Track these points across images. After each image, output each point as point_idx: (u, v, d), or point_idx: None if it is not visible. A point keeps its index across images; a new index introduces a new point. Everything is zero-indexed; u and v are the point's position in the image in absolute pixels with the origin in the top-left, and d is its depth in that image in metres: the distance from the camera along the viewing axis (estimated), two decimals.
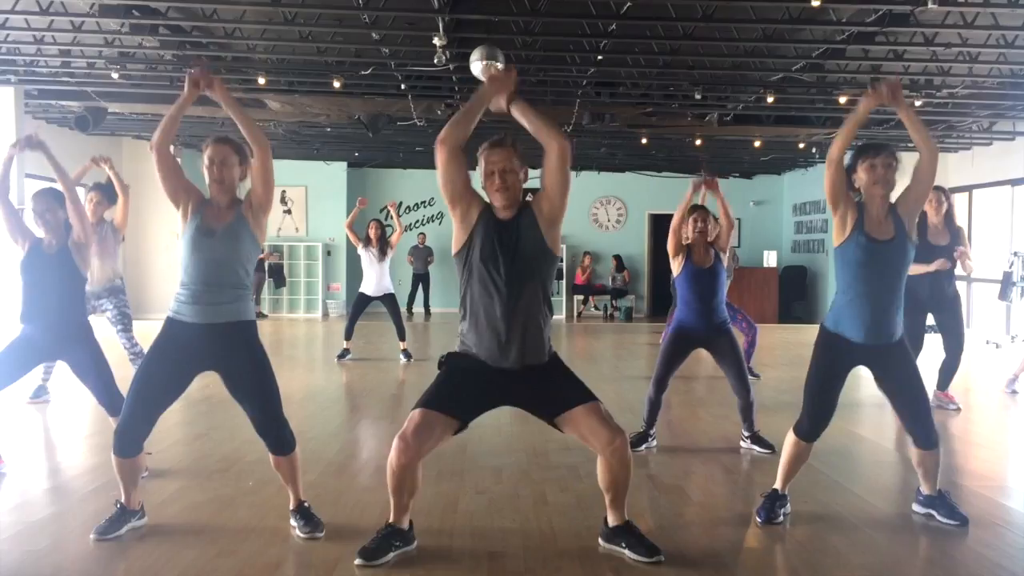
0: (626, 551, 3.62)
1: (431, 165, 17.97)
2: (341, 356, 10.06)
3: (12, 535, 3.88)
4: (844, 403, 7.09)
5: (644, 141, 13.48)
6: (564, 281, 17.56)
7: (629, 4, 7.20)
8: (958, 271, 6.82)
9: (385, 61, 9.09)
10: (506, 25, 7.99)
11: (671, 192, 16.75)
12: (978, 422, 6.90)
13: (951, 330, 6.83)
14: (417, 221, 18.14)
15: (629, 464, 3.59)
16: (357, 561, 3.51)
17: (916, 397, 3.98)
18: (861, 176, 3.91)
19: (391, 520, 3.62)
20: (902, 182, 3.96)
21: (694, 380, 8.82)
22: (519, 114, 3.55)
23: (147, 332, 8.12)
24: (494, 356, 3.48)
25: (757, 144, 13.67)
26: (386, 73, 9.53)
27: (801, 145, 13.86)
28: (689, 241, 5.55)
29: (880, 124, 12.01)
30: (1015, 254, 10.92)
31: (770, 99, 10.09)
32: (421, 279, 17.19)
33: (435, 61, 8.12)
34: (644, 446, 5.64)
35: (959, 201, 14.70)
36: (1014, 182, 12.95)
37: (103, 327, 7.62)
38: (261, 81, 9.70)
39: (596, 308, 17.60)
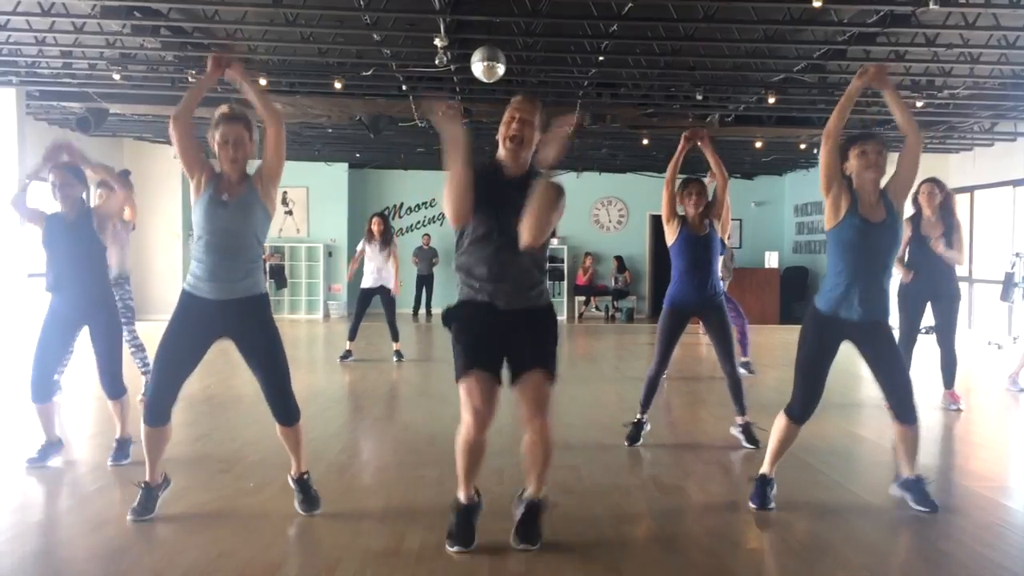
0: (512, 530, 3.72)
1: (433, 166, 18.09)
2: (344, 357, 10.06)
3: (13, 536, 3.88)
4: (844, 403, 7.16)
5: (645, 142, 13.48)
6: (565, 282, 17.56)
7: (630, 5, 7.20)
8: (961, 272, 6.83)
9: (386, 62, 9.09)
10: (507, 26, 7.99)
11: None
12: (979, 423, 6.89)
13: (943, 325, 6.89)
14: (419, 222, 18.15)
15: (543, 444, 3.64)
16: (455, 549, 3.62)
17: (897, 372, 4.13)
18: (853, 163, 4.04)
19: (464, 501, 3.72)
20: (883, 179, 4.08)
21: (694, 380, 8.82)
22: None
23: (149, 333, 8.15)
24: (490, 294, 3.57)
25: (758, 145, 13.66)
26: (387, 74, 9.54)
27: (802, 146, 13.85)
28: (686, 215, 5.61)
29: (881, 125, 12.00)
30: (1016, 255, 10.91)
31: (771, 100, 10.09)
32: (425, 281, 16.97)
33: (436, 62, 8.13)
34: (641, 438, 5.67)
35: (960, 202, 14.68)
36: (1015, 183, 12.94)
37: None
38: (262, 82, 9.69)
39: (597, 309, 17.60)
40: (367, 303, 10.03)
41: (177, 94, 10.56)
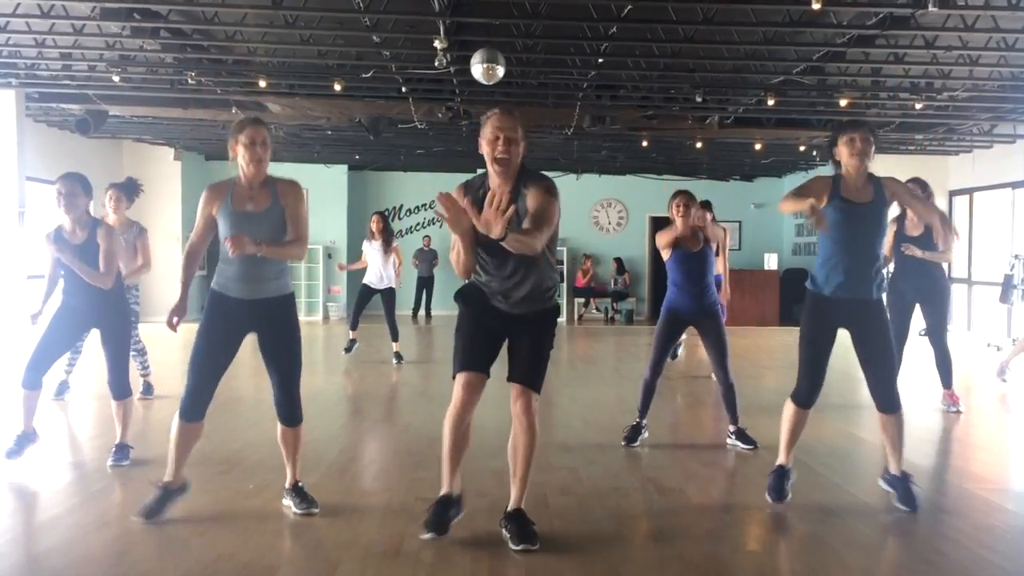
0: (508, 539, 3.76)
1: (432, 168, 18.09)
2: (348, 349, 10.10)
3: (12, 538, 3.88)
4: (844, 405, 7.16)
5: (645, 144, 13.49)
6: (565, 284, 17.56)
7: (630, 7, 7.20)
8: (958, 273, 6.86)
9: (386, 64, 9.10)
10: (507, 28, 7.99)
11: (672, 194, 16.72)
12: (978, 424, 6.89)
13: (934, 324, 6.96)
14: (418, 224, 18.15)
15: (529, 432, 3.75)
16: (426, 536, 3.76)
17: (884, 361, 4.25)
18: (842, 150, 4.23)
19: (444, 490, 3.86)
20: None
21: (694, 382, 8.82)
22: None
23: (150, 334, 8.17)
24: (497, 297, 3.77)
25: (758, 147, 13.67)
26: (387, 76, 9.54)
27: (802, 148, 13.86)
28: (677, 229, 5.68)
29: (881, 127, 12.00)
30: (1016, 257, 10.92)
31: (771, 102, 10.09)
32: (425, 283, 16.94)
33: (436, 64, 8.12)
34: (639, 440, 5.71)
35: (960, 204, 14.73)
36: (1014, 185, 12.96)
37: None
38: (262, 84, 9.71)
39: (597, 310, 17.60)
40: (367, 299, 10.07)
41: (177, 96, 10.58)
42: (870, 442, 6.15)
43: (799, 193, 4.25)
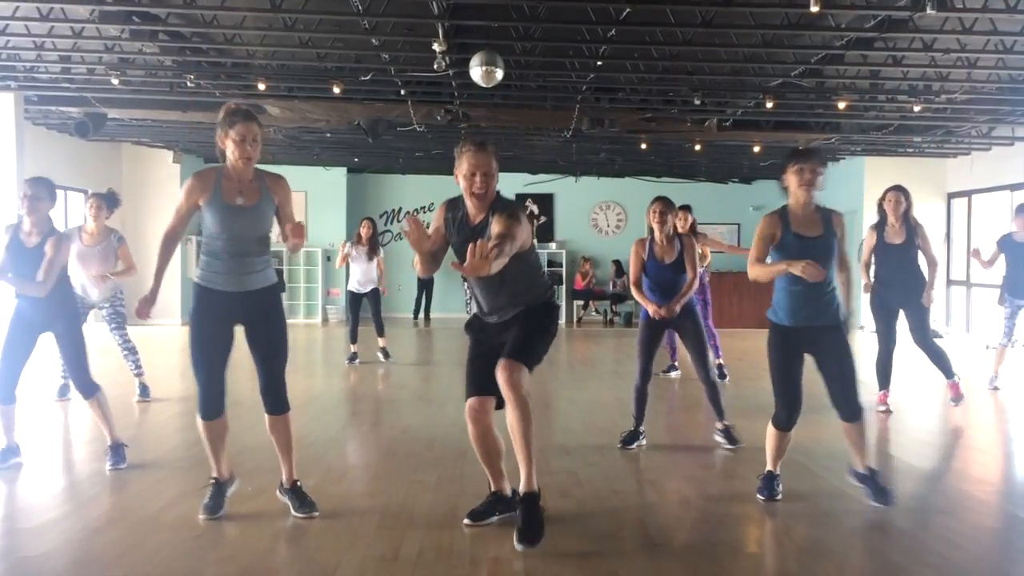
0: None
1: (431, 170, 18.07)
2: (351, 360, 10.15)
3: (8, 541, 3.88)
4: None
5: (644, 146, 13.49)
6: (564, 286, 17.56)
7: (628, 10, 7.21)
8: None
9: (385, 67, 9.10)
10: (506, 31, 8.00)
11: (671, 197, 16.71)
12: (977, 426, 6.90)
13: (916, 326, 6.98)
14: None
15: (519, 409, 3.74)
16: (465, 521, 4.04)
17: (845, 376, 4.31)
18: (791, 179, 4.25)
19: (493, 488, 4.13)
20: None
21: (692, 383, 8.81)
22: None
23: (149, 336, 8.15)
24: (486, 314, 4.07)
25: (756, 149, 13.68)
26: (386, 79, 9.54)
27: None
28: (655, 235, 5.81)
29: (879, 129, 12.03)
30: None
31: (769, 104, 10.09)
32: (425, 285, 16.97)
33: (435, 67, 8.13)
34: (635, 444, 5.75)
35: (958, 206, 14.74)
36: (1013, 187, 12.96)
37: (103, 335, 7.64)
38: (261, 87, 9.71)
39: (596, 313, 17.60)
40: (358, 305, 10.20)
41: (176, 99, 10.59)
42: (869, 444, 6.15)
43: (760, 252, 4.28)
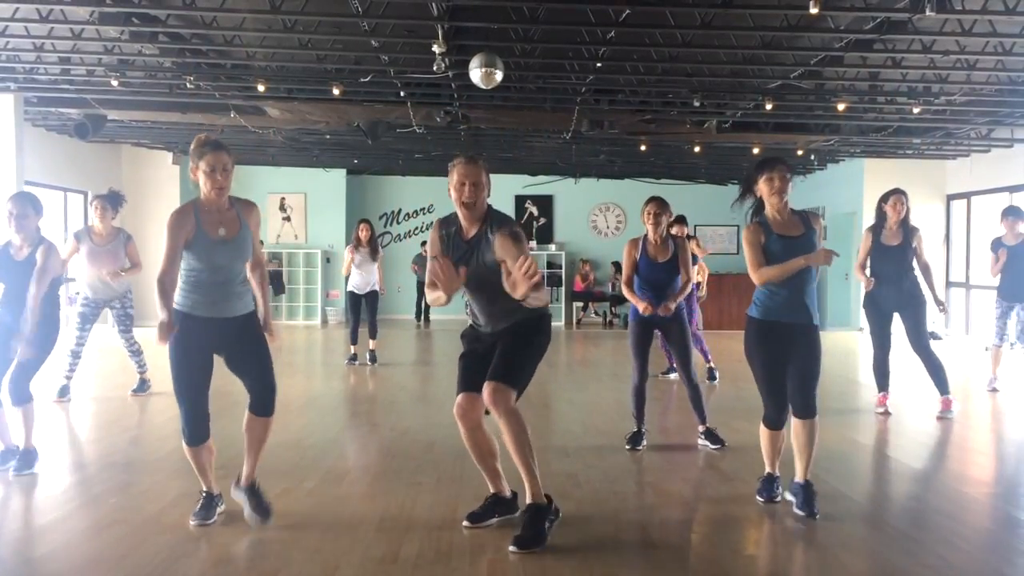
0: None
1: (430, 172, 18.06)
2: (351, 360, 10.17)
3: (10, 542, 3.88)
4: (844, 410, 7.17)
5: (643, 148, 13.50)
6: (563, 288, 17.57)
7: (628, 12, 7.21)
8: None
9: (384, 68, 9.10)
10: (505, 33, 8.00)
11: (670, 198, 16.67)
12: (976, 428, 6.90)
13: (913, 330, 6.99)
14: (416, 228, 18.14)
15: (508, 423, 3.87)
16: (464, 523, 4.07)
17: (808, 373, 4.39)
18: (762, 187, 4.39)
19: (492, 490, 4.18)
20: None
21: None
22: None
23: (150, 339, 8.17)
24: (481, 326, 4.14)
25: (756, 151, 13.67)
26: (385, 80, 9.55)
27: (800, 152, 13.88)
28: (648, 235, 5.87)
29: (879, 131, 12.04)
30: None
31: (769, 106, 10.11)
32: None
33: (434, 68, 8.14)
34: (641, 445, 5.77)
35: (957, 208, 14.75)
36: (1012, 189, 12.97)
37: (103, 335, 7.64)
38: (260, 88, 9.72)
39: (596, 314, 17.60)
40: (358, 307, 10.22)
41: (175, 100, 10.59)
42: (869, 446, 6.16)
43: (759, 257, 4.37)
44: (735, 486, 4.93)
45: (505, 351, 3.95)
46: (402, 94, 10.16)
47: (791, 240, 4.37)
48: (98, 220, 7.42)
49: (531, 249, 4.33)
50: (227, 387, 4.44)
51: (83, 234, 7.44)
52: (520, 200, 17.96)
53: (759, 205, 4.46)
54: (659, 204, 5.90)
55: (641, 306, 5.76)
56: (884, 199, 7.02)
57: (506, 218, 4.01)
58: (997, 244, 8.57)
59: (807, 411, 4.40)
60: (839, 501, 4.59)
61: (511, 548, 3.75)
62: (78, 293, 7.57)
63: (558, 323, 17.26)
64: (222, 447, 5.68)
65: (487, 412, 3.99)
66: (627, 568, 3.62)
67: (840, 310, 15.98)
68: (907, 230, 6.96)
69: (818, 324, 4.45)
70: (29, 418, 5.10)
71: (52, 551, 3.76)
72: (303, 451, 5.65)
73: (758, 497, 4.54)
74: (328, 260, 17.30)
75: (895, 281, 6.90)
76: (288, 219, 17.30)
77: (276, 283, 16.85)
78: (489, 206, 4.03)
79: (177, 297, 3.93)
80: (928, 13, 6.55)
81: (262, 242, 4.11)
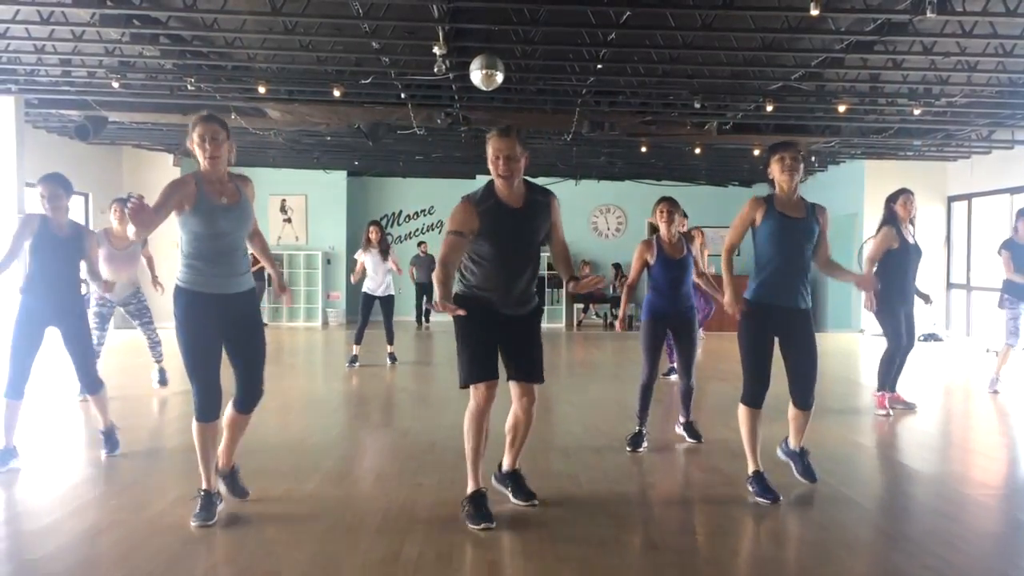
0: (509, 493, 4.43)
1: (431, 174, 18.04)
2: (351, 363, 10.11)
3: (9, 544, 3.88)
4: (843, 411, 7.17)
5: (644, 149, 13.50)
6: (564, 289, 17.53)
7: (628, 13, 7.22)
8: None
9: (385, 70, 9.11)
10: (506, 34, 8.01)
11: None
12: (977, 429, 6.90)
13: (912, 330, 7.17)
14: (417, 229, 18.15)
15: (532, 418, 4.33)
16: (486, 525, 4.04)
17: (807, 363, 4.60)
18: (774, 168, 4.61)
19: (480, 486, 4.19)
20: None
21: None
22: None
23: (138, 342, 8.20)
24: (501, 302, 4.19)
25: (756, 152, 13.68)
26: (386, 82, 9.55)
27: (800, 154, 13.86)
28: (661, 234, 5.95)
29: (879, 132, 12.04)
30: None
31: (769, 108, 10.11)
32: (425, 290, 16.78)
33: (435, 70, 8.14)
34: (642, 447, 5.77)
35: (958, 210, 14.75)
36: (1013, 190, 12.97)
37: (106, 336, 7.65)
38: (261, 90, 9.72)
39: (596, 316, 17.60)
40: (370, 307, 10.16)
41: (176, 102, 10.59)
42: (869, 447, 6.15)
43: (735, 238, 4.72)
44: (736, 488, 4.92)
45: (532, 353, 4.24)
46: (403, 96, 10.16)
47: (790, 220, 4.55)
48: (117, 223, 7.51)
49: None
50: (226, 390, 4.43)
51: (102, 237, 7.50)
52: None
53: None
54: (672, 203, 5.99)
55: (620, 320, 6.06)
56: (893, 199, 7.05)
57: (542, 186, 4.27)
58: (1008, 244, 8.53)
59: (807, 404, 4.68)
60: (841, 503, 4.59)
61: (531, 502, 4.34)
62: (94, 293, 7.59)
63: (559, 325, 17.27)
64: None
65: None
66: (629, 569, 3.62)
67: (840, 312, 15.97)
68: (912, 228, 7.07)
69: (809, 309, 4.63)
70: (103, 402, 5.40)
71: (54, 551, 3.75)
72: (304, 452, 5.65)
73: (760, 500, 4.52)
74: (329, 262, 17.31)
75: (910, 279, 7.02)
76: (289, 221, 17.31)
77: None
78: (527, 180, 4.19)
79: (180, 274, 4.04)
80: (929, 15, 6.55)
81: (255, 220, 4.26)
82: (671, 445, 5.99)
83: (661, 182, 17.62)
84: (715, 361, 9.55)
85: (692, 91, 9.86)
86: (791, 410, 4.75)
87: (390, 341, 10.26)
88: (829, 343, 13.17)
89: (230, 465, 4.39)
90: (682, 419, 6.10)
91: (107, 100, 10.67)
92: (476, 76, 8.04)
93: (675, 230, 5.94)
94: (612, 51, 8.28)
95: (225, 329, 4.07)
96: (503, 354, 4.23)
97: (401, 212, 18.22)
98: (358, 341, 10.16)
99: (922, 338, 7.19)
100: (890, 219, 7.00)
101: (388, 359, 10.27)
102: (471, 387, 4.13)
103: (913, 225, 7.09)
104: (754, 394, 4.58)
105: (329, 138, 13.25)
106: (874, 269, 7.00)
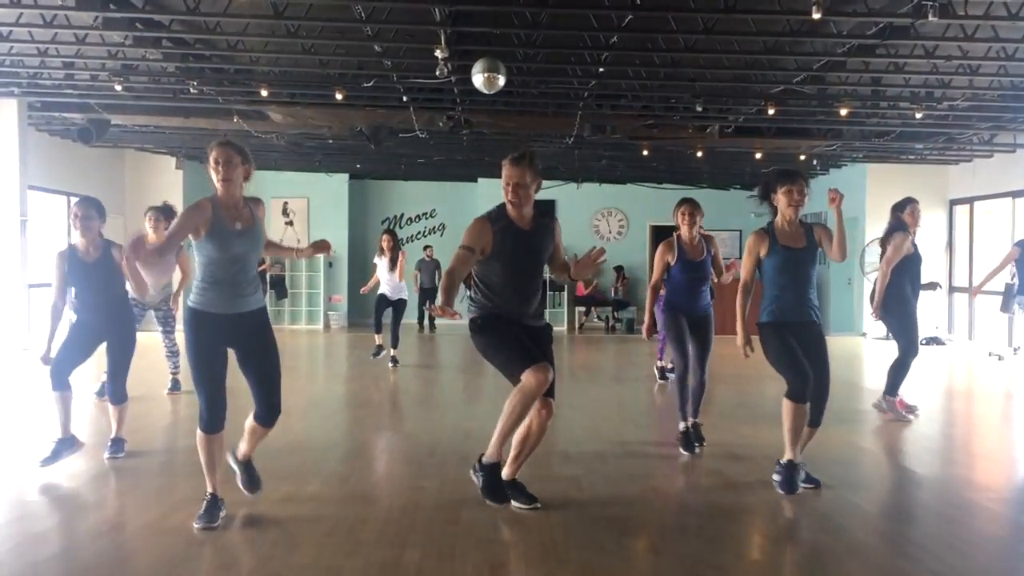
0: (512, 502, 4.42)
1: (432, 177, 18.04)
2: (376, 354, 10.31)
3: (13, 546, 3.87)
4: (846, 414, 7.16)
5: (645, 152, 13.50)
6: (566, 293, 17.55)
7: (630, 17, 7.22)
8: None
9: (387, 73, 9.12)
10: (507, 38, 8.02)
11: (672, 203, 16.60)
12: (981, 433, 6.88)
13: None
14: (419, 232, 18.15)
15: (544, 431, 4.40)
16: (496, 504, 4.34)
17: (820, 378, 4.72)
18: (780, 199, 4.73)
19: (494, 460, 4.40)
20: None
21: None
22: None
23: (153, 343, 8.21)
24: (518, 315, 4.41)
25: (758, 156, 13.69)
26: (388, 85, 9.57)
27: (802, 157, 13.88)
28: (682, 235, 5.98)
29: (881, 136, 12.04)
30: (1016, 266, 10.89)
31: (771, 111, 10.11)
32: (429, 294, 16.71)
33: (437, 73, 8.15)
34: (694, 447, 5.79)
35: (960, 213, 14.74)
36: (1015, 194, 12.97)
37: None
38: (264, 93, 9.74)
39: (598, 319, 17.59)
40: (384, 307, 10.33)
41: (178, 105, 10.61)
42: (872, 451, 6.14)
43: (748, 273, 4.88)
44: (739, 492, 4.91)
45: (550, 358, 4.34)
46: (405, 99, 10.18)
47: (794, 252, 4.72)
48: (151, 230, 7.59)
49: None
50: (231, 393, 4.44)
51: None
52: None
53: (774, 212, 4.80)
54: (693, 205, 6.02)
55: (646, 327, 6.02)
56: (900, 208, 7.02)
57: (550, 214, 4.44)
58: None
59: (816, 421, 4.78)
60: (845, 508, 4.58)
61: (533, 507, 4.36)
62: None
63: (560, 327, 17.26)
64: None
65: None
66: (631, 573, 3.61)
67: (843, 316, 15.96)
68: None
69: (820, 322, 4.86)
70: (122, 415, 5.52)
71: (56, 554, 3.75)
72: (305, 455, 5.64)
73: (779, 489, 4.66)
74: (331, 265, 17.31)
75: (918, 284, 7.08)
76: (291, 224, 17.32)
77: (279, 288, 16.86)
78: (537, 202, 4.39)
79: (193, 296, 4.14)
80: (930, 18, 6.56)
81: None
82: (673, 448, 5.98)
83: (663, 185, 17.62)
84: (720, 366, 9.53)
85: (694, 94, 9.86)
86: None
87: (394, 344, 10.29)
88: (831, 347, 13.10)
89: (247, 457, 4.46)
90: (689, 420, 5.98)
91: (110, 103, 10.69)
92: (478, 79, 8.05)
93: (696, 232, 5.95)
94: (614, 54, 8.29)
95: (236, 346, 4.19)
96: None
97: (403, 215, 18.22)
98: (378, 331, 10.39)
99: (924, 342, 7.19)
100: (900, 226, 6.99)
101: (390, 362, 10.27)
102: (524, 374, 4.15)
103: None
104: (801, 387, 4.64)
105: (331, 141, 13.27)
106: (888, 274, 7.00)
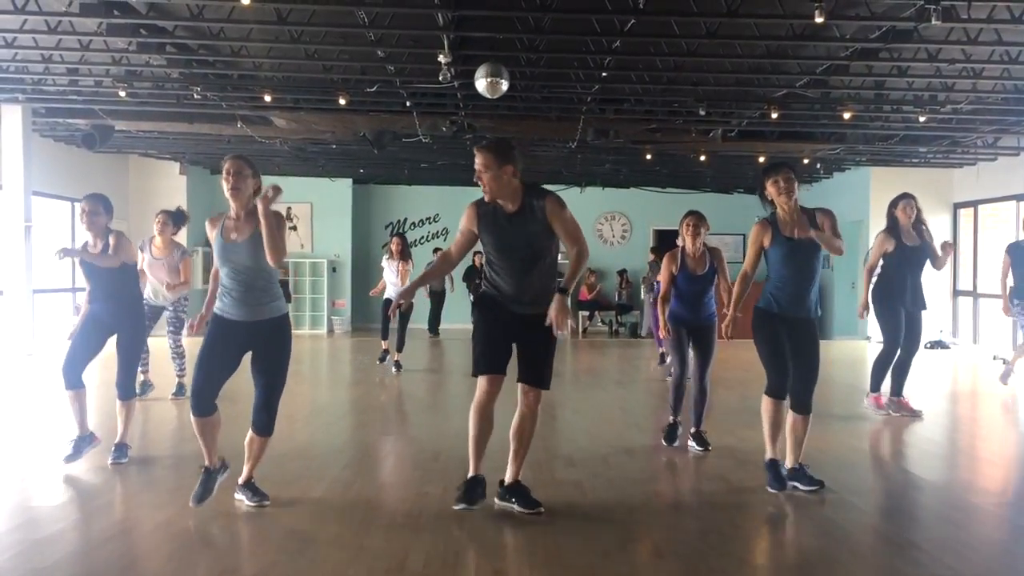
0: (514, 506, 4.38)
1: (436, 181, 18.07)
2: (383, 359, 10.36)
3: (17, 553, 3.88)
4: (847, 417, 7.15)
5: (648, 157, 13.51)
6: (569, 297, 17.48)
7: (633, 21, 7.23)
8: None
9: (390, 78, 9.14)
10: (510, 42, 8.03)
11: (675, 207, 16.55)
12: (985, 437, 6.87)
13: (913, 334, 7.26)
14: (423, 237, 18.15)
15: (536, 417, 4.46)
16: (459, 507, 4.35)
17: (811, 367, 4.81)
18: (770, 190, 4.81)
19: (474, 472, 4.44)
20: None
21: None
22: None
23: (158, 346, 8.22)
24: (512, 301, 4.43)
25: (761, 160, 13.66)
26: (391, 90, 9.58)
27: (805, 161, 13.87)
28: (685, 248, 6.02)
29: (885, 139, 12.03)
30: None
31: (774, 115, 10.11)
32: (439, 298, 16.62)
33: (440, 78, 8.16)
34: (676, 439, 6.00)
35: (964, 216, 14.71)
36: (1019, 197, 12.94)
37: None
38: (267, 98, 9.76)
39: (602, 323, 17.57)
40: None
41: (182, 111, 10.64)
42: (875, 454, 6.13)
43: (750, 263, 4.95)
44: (742, 495, 4.91)
45: (538, 355, 4.40)
46: (408, 104, 10.19)
47: (795, 242, 4.75)
48: (158, 233, 7.68)
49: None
50: (232, 398, 4.45)
51: (145, 245, 7.77)
52: None
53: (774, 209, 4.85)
54: (698, 217, 6.03)
55: (661, 331, 6.16)
56: (893, 204, 7.22)
57: (544, 190, 4.39)
58: (1015, 248, 8.72)
59: (806, 408, 4.80)
60: (847, 511, 4.57)
61: (536, 512, 4.31)
62: None
63: (562, 330, 17.19)
64: (231, 456, 5.69)
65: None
66: None
67: (847, 319, 15.93)
68: (920, 232, 7.15)
69: (815, 318, 4.88)
70: (129, 412, 5.55)
71: (61, 559, 3.75)
72: (309, 460, 5.65)
73: (769, 488, 4.75)
74: (334, 270, 17.31)
75: (909, 282, 7.09)
76: (294, 228, 17.31)
77: (282, 292, 16.82)
78: (523, 183, 4.35)
79: (217, 301, 4.43)
80: (934, 22, 6.55)
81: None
82: (677, 453, 5.98)
83: (666, 189, 17.62)
84: (722, 370, 9.52)
85: (697, 98, 9.86)
86: (789, 417, 4.82)
87: (399, 348, 10.25)
88: (835, 350, 13.14)
89: (248, 477, 4.57)
90: (692, 429, 6.03)
91: (114, 109, 10.72)
92: (481, 84, 8.06)
93: (700, 244, 5.97)
94: (617, 59, 8.29)
95: (252, 350, 4.40)
96: (518, 355, 4.43)
97: (406, 220, 18.23)
98: (385, 336, 10.41)
99: (929, 345, 7.20)
100: (891, 225, 7.12)
101: (393, 367, 10.21)
102: (479, 379, 4.38)
103: (925, 225, 7.21)
104: (778, 387, 4.76)
105: (334, 146, 13.28)
106: (873, 279, 7.24)
